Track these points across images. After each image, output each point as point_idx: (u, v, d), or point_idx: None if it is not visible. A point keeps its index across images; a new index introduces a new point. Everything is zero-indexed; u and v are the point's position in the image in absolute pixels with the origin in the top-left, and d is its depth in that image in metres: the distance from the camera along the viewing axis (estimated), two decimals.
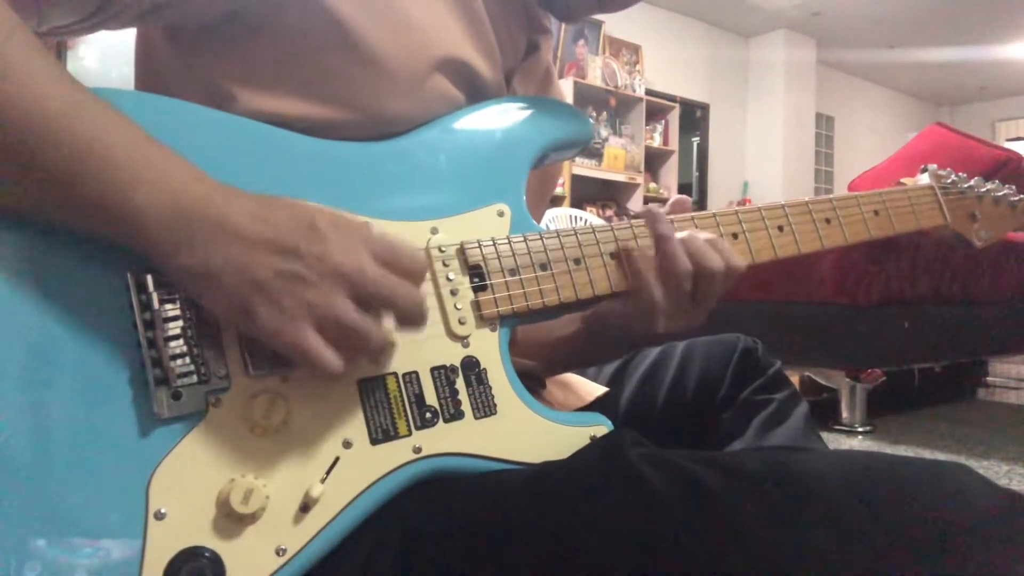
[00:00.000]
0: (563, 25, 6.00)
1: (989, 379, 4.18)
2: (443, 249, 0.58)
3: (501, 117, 0.66)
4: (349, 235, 0.50)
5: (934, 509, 0.42)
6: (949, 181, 0.83)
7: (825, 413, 3.17)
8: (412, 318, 0.51)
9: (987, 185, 0.86)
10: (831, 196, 0.74)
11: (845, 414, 3.11)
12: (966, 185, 0.84)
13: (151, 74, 0.66)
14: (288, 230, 0.48)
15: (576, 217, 4.20)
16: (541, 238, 0.61)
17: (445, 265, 0.58)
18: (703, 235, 0.65)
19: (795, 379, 3.23)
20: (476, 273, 0.59)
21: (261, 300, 0.47)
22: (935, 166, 0.84)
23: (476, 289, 0.58)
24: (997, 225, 0.86)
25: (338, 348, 0.48)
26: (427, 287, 0.57)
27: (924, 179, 0.83)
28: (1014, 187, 0.88)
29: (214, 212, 0.48)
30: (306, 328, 0.47)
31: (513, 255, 0.60)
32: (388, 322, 0.52)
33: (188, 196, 0.48)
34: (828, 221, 0.73)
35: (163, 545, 0.46)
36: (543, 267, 0.61)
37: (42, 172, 0.46)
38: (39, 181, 0.47)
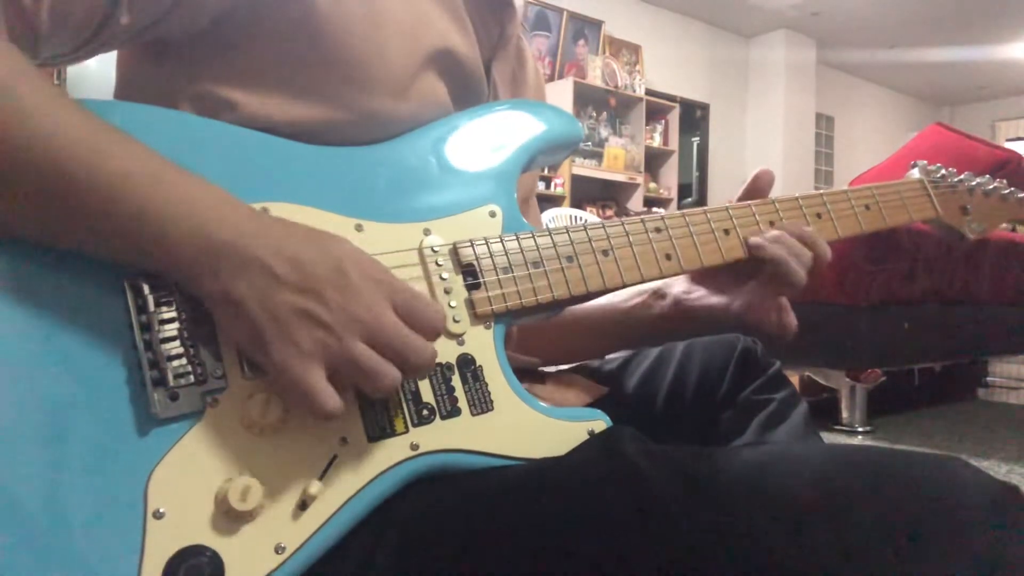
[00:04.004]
0: (563, 25, 6.01)
1: (989, 379, 4.19)
2: (436, 249, 0.59)
3: (492, 119, 0.67)
4: (374, 284, 0.50)
5: (930, 499, 0.43)
6: (939, 175, 0.84)
7: (825, 413, 3.17)
8: (420, 373, 0.52)
9: (977, 179, 0.87)
10: (821, 191, 0.75)
11: (845, 414, 3.11)
12: (956, 179, 0.85)
13: (134, 86, 0.66)
14: (315, 271, 0.49)
15: (576, 217, 4.20)
16: (533, 236, 0.62)
17: (438, 265, 0.58)
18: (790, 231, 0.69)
19: (795, 379, 3.23)
20: (469, 272, 0.59)
21: (276, 333, 0.47)
22: (924, 162, 0.84)
23: (470, 288, 0.59)
24: (989, 217, 0.87)
25: (343, 389, 0.49)
26: (421, 286, 0.57)
27: (914, 174, 0.84)
28: (1005, 180, 0.89)
29: (243, 244, 0.48)
30: (313, 367, 0.48)
31: (506, 253, 0.60)
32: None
33: (217, 225, 0.48)
34: (819, 216, 0.73)
35: (162, 544, 0.46)
36: (536, 264, 0.61)
37: (72, 211, 0.47)
38: (68, 218, 0.47)
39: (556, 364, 0.81)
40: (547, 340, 0.79)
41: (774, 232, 0.69)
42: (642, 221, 0.66)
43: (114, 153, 0.48)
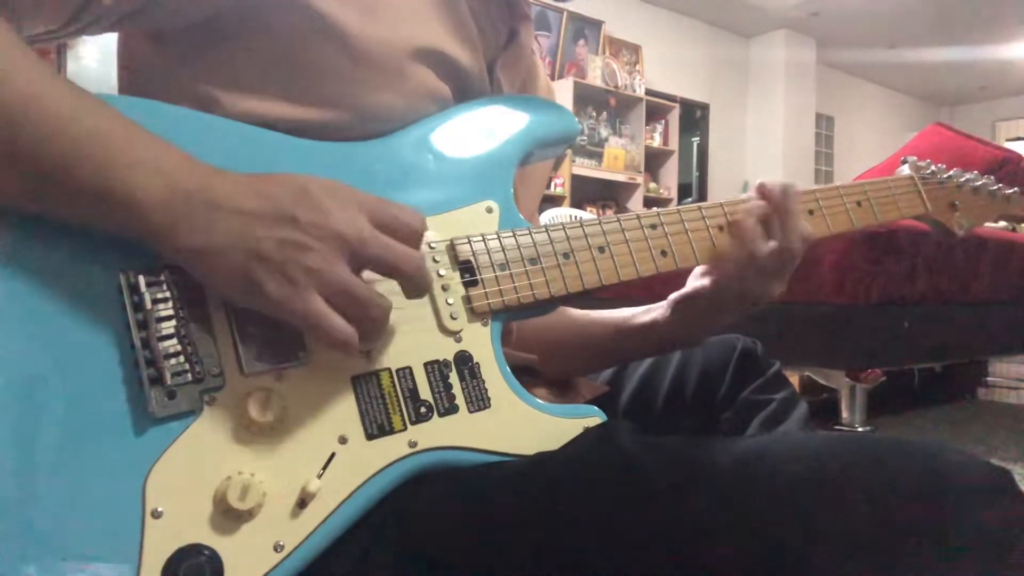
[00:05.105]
0: (563, 25, 6.01)
1: (989, 379, 4.18)
2: (433, 246, 0.59)
3: (488, 115, 0.67)
4: (345, 201, 0.50)
5: (923, 483, 0.43)
6: (928, 171, 0.85)
7: (825, 413, 3.17)
8: (412, 278, 0.51)
9: (966, 175, 0.87)
10: (814, 188, 0.75)
11: (845, 414, 3.11)
12: (945, 175, 0.86)
13: (134, 79, 0.66)
14: (285, 200, 0.49)
15: (575, 217, 4.20)
16: (530, 233, 0.62)
17: (435, 261, 0.58)
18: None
19: (795, 379, 3.23)
20: (466, 269, 0.59)
21: (265, 270, 0.47)
22: (915, 158, 0.85)
23: (467, 284, 0.59)
24: (977, 214, 0.87)
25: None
26: None
27: (904, 170, 0.84)
28: (992, 176, 0.89)
29: (211, 191, 0.49)
30: (312, 294, 0.48)
31: (503, 250, 0.60)
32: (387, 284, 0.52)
33: (185, 177, 0.49)
34: (811, 212, 0.74)
35: (161, 543, 0.46)
36: (533, 261, 0.61)
37: (40, 163, 0.47)
38: (37, 172, 0.47)
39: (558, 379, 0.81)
40: (545, 358, 0.79)
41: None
42: (638, 218, 0.66)
43: (83, 108, 0.48)
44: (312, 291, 0.48)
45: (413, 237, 0.52)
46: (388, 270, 0.51)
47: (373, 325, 0.51)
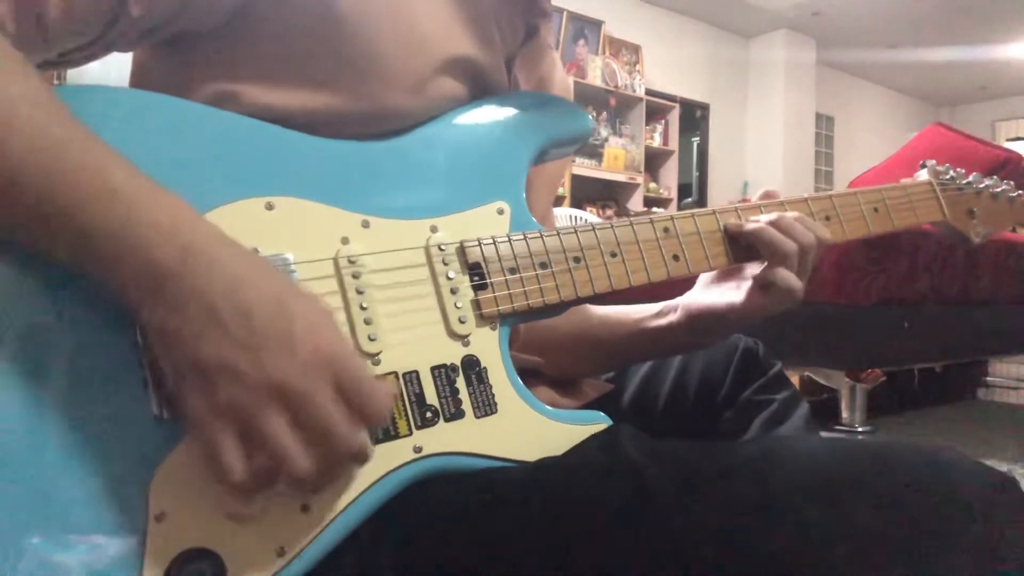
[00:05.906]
0: (563, 25, 6.00)
1: (989, 379, 4.19)
2: (443, 247, 0.58)
3: (500, 114, 0.66)
4: (322, 352, 0.45)
5: (927, 487, 0.43)
6: (948, 177, 0.83)
7: (825, 413, 3.17)
8: (339, 459, 0.46)
9: (985, 181, 0.86)
10: (831, 193, 0.74)
11: (845, 414, 3.11)
12: (964, 181, 0.85)
13: (148, 82, 0.65)
14: (259, 326, 0.44)
15: (575, 217, 4.19)
16: (541, 236, 0.61)
17: (445, 264, 0.58)
18: (790, 214, 0.68)
19: (795, 379, 3.23)
20: (476, 272, 0.59)
21: (195, 384, 0.44)
22: (934, 162, 0.83)
23: (476, 288, 0.58)
24: (995, 221, 0.86)
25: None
26: (427, 286, 0.57)
27: (923, 175, 0.83)
28: (1012, 182, 0.88)
29: (188, 278, 0.44)
30: (224, 430, 0.43)
31: (513, 254, 0.60)
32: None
33: (165, 251, 0.44)
34: (828, 218, 0.73)
35: (164, 547, 0.46)
36: (543, 266, 0.60)
37: (20, 217, 0.45)
38: (36, 216, 0.45)
39: (562, 378, 0.81)
40: (552, 358, 0.78)
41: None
42: (651, 222, 0.65)
43: (69, 156, 0.45)
44: (226, 423, 0.43)
45: (367, 419, 0.46)
46: (319, 438, 0.44)
47: (296, 483, 0.44)
